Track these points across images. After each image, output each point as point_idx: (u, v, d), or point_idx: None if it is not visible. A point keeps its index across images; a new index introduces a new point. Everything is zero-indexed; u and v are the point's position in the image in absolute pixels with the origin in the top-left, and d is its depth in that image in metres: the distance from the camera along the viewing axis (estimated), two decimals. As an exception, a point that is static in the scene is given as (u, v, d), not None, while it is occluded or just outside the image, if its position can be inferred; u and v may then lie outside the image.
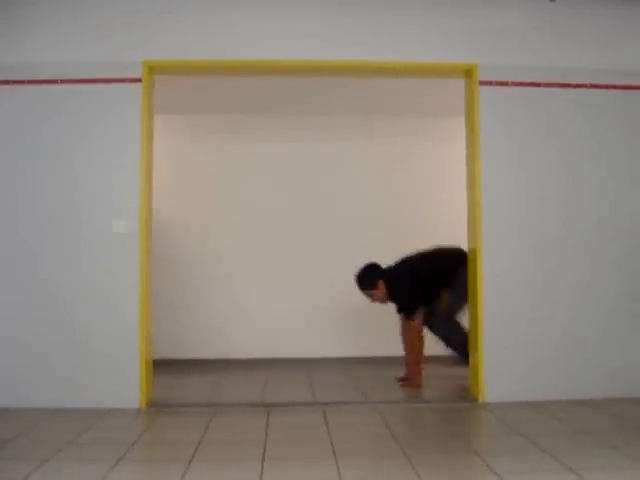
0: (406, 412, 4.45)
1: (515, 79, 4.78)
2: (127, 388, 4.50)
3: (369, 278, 5.34)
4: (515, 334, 4.67)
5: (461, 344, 5.19)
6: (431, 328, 5.44)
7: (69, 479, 3.03)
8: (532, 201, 4.75)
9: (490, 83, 4.75)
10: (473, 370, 4.78)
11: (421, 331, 5.28)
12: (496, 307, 4.66)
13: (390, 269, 5.42)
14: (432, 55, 4.79)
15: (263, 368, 6.02)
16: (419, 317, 5.26)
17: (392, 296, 5.37)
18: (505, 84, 4.78)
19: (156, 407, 4.52)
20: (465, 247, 5.02)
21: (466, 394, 4.82)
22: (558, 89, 4.81)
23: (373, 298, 5.41)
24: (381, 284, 5.31)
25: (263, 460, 3.25)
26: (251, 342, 6.39)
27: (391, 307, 5.42)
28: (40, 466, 3.15)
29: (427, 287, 5.32)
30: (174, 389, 5.18)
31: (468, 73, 4.86)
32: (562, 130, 4.81)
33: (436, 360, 5.86)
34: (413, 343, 5.26)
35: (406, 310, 5.30)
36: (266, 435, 3.75)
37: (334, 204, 6.65)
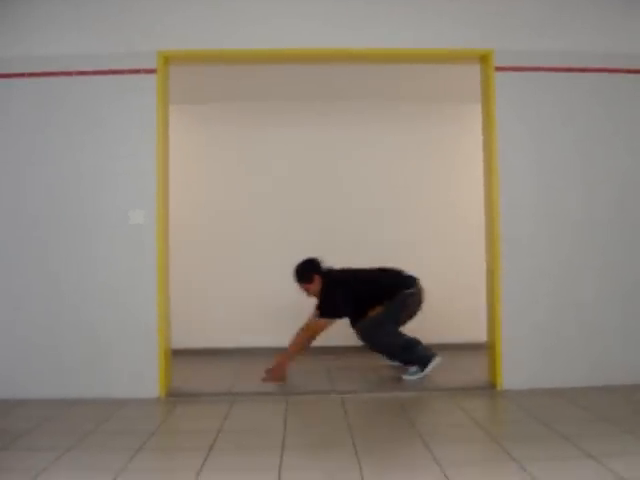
0: (424, 400, 4.45)
1: (531, 64, 4.73)
2: (146, 378, 4.53)
3: (307, 272, 5.32)
4: (533, 321, 4.65)
5: (390, 346, 5.14)
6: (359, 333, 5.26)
7: (89, 468, 3.04)
8: (549, 186, 4.71)
9: (506, 69, 4.71)
10: (491, 357, 4.77)
11: (317, 333, 5.17)
12: (514, 294, 4.64)
13: (329, 271, 5.36)
14: (446, 41, 4.74)
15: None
16: (327, 321, 5.17)
17: (320, 295, 5.30)
18: (521, 69, 4.73)
19: (175, 396, 4.55)
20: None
21: (484, 381, 4.82)
22: (574, 73, 4.75)
23: (308, 292, 5.39)
24: (317, 279, 5.28)
25: (283, 448, 3.26)
26: (268, 331, 6.39)
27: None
28: (60, 456, 3.18)
29: (359, 305, 5.25)
30: (193, 378, 5.20)
31: (483, 59, 4.82)
32: (578, 115, 4.76)
33: (452, 348, 5.86)
34: (302, 338, 5.17)
35: (321, 312, 5.21)
36: (285, 423, 3.77)
37: (350, 191, 6.66)
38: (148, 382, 4.52)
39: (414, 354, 5.06)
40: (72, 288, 4.57)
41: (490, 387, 4.68)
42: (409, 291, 5.23)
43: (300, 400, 4.39)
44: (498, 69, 4.72)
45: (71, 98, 4.63)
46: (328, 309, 5.18)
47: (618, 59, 4.77)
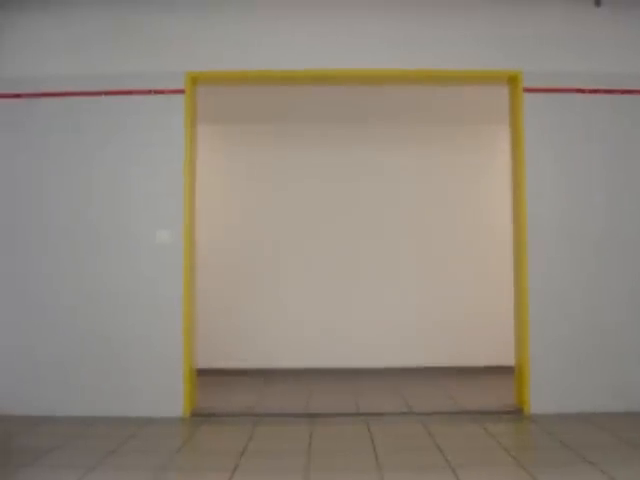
0: (451, 423, 4.39)
1: (558, 85, 4.72)
2: (171, 397, 4.53)
3: None
4: (561, 345, 4.59)
5: None
6: None
7: (114, 487, 3.05)
8: (577, 207, 4.67)
9: (534, 90, 4.69)
10: (518, 381, 4.71)
11: None
12: (542, 318, 4.59)
13: None
14: (475, 62, 4.75)
15: (307, 378, 6.01)
16: None
17: None
18: (548, 90, 4.71)
19: (200, 416, 4.54)
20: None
21: (512, 405, 4.75)
22: (600, 95, 4.73)
23: None
24: None
25: (307, 470, 3.24)
26: (295, 352, 6.38)
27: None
28: (85, 474, 3.19)
29: None
30: (218, 398, 5.18)
31: (512, 80, 4.80)
32: (604, 136, 4.73)
33: (478, 371, 5.81)
34: None
35: None
36: (310, 445, 3.74)
37: (375, 212, 6.64)
38: (173, 401, 4.53)
39: None
40: (100, 306, 4.60)
41: (517, 411, 4.62)
42: None
43: (325, 422, 4.36)
44: (526, 90, 4.70)
45: (100, 118, 4.69)
46: None
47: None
